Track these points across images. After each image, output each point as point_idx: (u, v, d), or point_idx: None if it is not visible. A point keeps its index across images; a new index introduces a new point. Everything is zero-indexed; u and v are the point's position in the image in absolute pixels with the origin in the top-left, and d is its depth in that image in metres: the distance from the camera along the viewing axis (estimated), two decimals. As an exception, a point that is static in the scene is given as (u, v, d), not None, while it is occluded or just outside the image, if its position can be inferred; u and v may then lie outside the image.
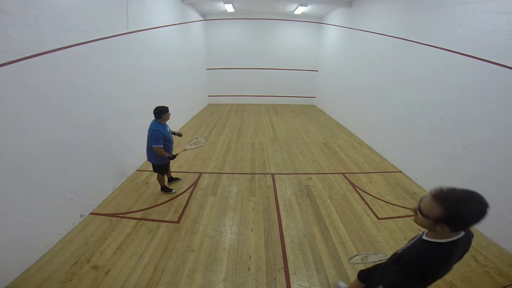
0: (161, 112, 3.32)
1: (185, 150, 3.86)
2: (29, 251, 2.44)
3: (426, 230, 1.23)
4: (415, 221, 1.23)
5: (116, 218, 3.20)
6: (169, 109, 3.40)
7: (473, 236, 1.31)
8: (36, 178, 2.49)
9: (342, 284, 2.29)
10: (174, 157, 3.47)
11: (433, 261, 1.15)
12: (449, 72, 3.65)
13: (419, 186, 4.18)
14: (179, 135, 3.86)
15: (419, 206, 1.18)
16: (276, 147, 5.84)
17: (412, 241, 1.34)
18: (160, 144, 3.24)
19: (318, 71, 10.63)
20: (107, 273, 2.39)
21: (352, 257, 2.00)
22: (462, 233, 1.18)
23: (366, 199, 3.74)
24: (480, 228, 3.10)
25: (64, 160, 2.83)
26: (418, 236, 1.30)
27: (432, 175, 3.96)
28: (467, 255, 2.71)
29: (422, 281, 1.18)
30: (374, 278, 1.54)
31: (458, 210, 1.05)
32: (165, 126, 3.43)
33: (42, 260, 2.50)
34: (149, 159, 3.52)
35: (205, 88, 10.41)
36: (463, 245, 1.22)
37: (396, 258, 1.25)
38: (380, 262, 1.74)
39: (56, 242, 2.73)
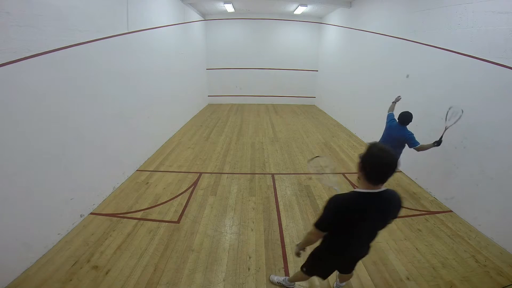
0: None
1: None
2: (29, 251, 2.44)
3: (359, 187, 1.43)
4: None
5: (116, 218, 3.20)
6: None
7: (399, 205, 1.47)
8: (36, 178, 2.49)
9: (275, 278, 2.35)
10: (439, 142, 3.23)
11: (347, 202, 1.39)
12: (449, 72, 3.65)
13: (419, 186, 4.18)
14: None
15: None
16: (276, 147, 5.84)
17: None
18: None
19: (318, 71, 10.63)
20: (107, 273, 2.39)
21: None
22: (381, 189, 1.36)
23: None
24: (480, 228, 3.10)
25: (64, 160, 2.84)
26: None
27: (432, 175, 3.96)
28: (467, 255, 2.73)
29: (335, 216, 1.42)
30: None
31: (364, 153, 1.32)
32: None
33: (42, 260, 2.50)
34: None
35: (205, 88, 10.41)
36: (384, 204, 1.40)
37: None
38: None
39: (56, 242, 2.73)
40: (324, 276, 1.93)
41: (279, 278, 2.32)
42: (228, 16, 9.69)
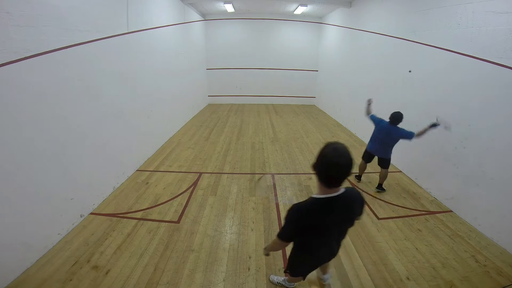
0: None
1: None
2: (29, 251, 2.44)
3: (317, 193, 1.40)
4: None
5: (116, 218, 3.20)
6: None
7: (362, 202, 1.49)
8: (36, 178, 2.49)
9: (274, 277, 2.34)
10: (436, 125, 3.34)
11: (306, 211, 1.36)
12: (449, 72, 3.65)
13: (419, 186, 4.18)
14: None
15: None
16: (276, 147, 5.84)
17: None
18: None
19: (318, 71, 10.63)
20: (107, 273, 2.39)
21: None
22: (341, 191, 1.34)
23: (366, 199, 3.74)
24: (480, 228, 3.11)
25: (64, 160, 2.84)
26: None
27: (432, 175, 3.96)
28: (467, 255, 2.73)
29: (297, 226, 1.39)
30: None
31: (318, 155, 1.25)
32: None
33: (42, 260, 2.50)
34: (386, 154, 3.77)
35: (205, 88, 10.41)
36: (345, 206, 1.39)
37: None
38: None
39: (56, 242, 2.73)
40: (306, 274, 1.91)
41: (279, 278, 2.32)
42: (228, 16, 9.69)
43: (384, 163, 3.81)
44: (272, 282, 2.33)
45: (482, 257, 2.69)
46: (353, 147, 5.94)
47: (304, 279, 1.99)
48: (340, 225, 1.49)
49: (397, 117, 3.51)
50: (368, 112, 3.96)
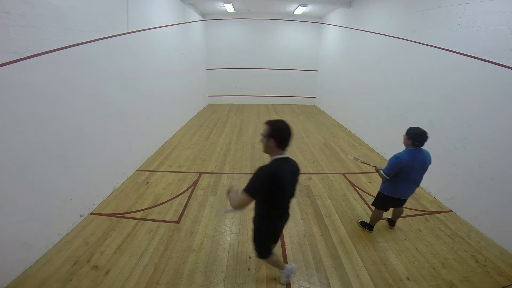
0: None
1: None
2: (29, 251, 2.44)
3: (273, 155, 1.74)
4: (262, 149, 1.79)
5: (116, 218, 3.20)
6: None
7: (299, 170, 1.87)
8: (36, 178, 2.49)
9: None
10: None
11: (273, 168, 1.69)
12: (449, 72, 3.65)
13: (419, 186, 4.17)
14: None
15: (262, 134, 1.74)
16: (276, 147, 5.83)
17: None
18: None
19: (318, 71, 10.63)
20: (107, 273, 2.39)
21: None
22: (287, 155, 1.76)
23: (366, 199, 3.74)
24: (480, 228, 3.11)
25: (64, 160, 2.83)
26: None
27: (432, 175, 3.93)
28: (467, 255, 2.72)
29: (264, 181, 1.66)
30: None
31: (274, 124, 1.70)
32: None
33: (42, 260, 2.50)
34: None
35: (205, 88, 10.41)
36: (292, 166, 1.81)
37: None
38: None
39: (56, 242, 2.73)
40: (273, 243, 2.09)
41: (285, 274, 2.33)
42: (228, 16, 9.68)
43: (406, 201, 2.90)
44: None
45: (482, 257, 2.69)
46: (353, 147, 5.94)
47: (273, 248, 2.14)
48: (291, 186, 1.83)
49: (425, 134, 2.47)
50: (377, 170, 2.77)
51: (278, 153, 1.72)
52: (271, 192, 1.68)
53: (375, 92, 5.84)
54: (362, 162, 3.24)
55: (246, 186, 1.66)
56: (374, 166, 2.85)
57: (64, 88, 2.81)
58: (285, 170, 1.71)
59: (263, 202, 1.81)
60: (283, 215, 1.95)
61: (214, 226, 3.08)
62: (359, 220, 3.19)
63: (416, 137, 2.47)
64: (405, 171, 2.54)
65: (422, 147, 2.54)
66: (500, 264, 2.60)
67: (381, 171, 2.67)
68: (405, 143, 2.60)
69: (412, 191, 2.76)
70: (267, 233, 2.00)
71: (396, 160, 2.54)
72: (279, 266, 2.26)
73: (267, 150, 1.75)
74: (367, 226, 3.06)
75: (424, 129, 2.48)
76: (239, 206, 1.70)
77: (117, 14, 3.83)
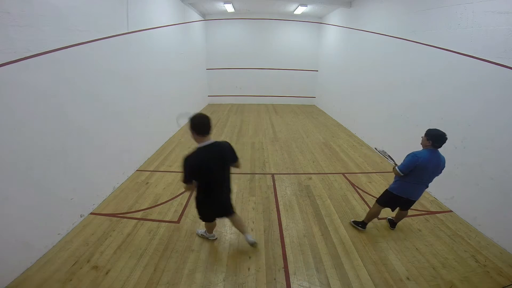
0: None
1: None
2: (29, 251, 2.44)
3: (198, 144, 2.09)
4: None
5: (116, 218, 3.20)
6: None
7: (231, 149, 2.27)
8: (36, 178, 2.49)
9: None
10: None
11: (196, 156, 2.05)
12: (449, 72, 3.65)
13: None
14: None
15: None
16: (276, 147, 5.84)
17: None
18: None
19: (318, 71, 10.63)
20: (107, 273, 2.39)
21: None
22: (212, 141, 2.09)
23: (366, 199, 3.74)
24: (480, 228, 3.11)
25: (64, 160, 2.83)
26: None
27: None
28: (467, 255, 2.73)
29: (193, 170, 2.06)
30: None
31: (191, 119, 2.02)
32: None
33: (42, 260, 2.50)
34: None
35: (205, 88, 10.41)
36: (219, 150, 2.15)
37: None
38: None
39: (56, 242, 2.73)
40: (211, 219, 2.58)
41: (201, 230, 2.86)
42: (228, 16, 9.69)
43: (414, 203, 2.86)
44: (197, 235, 2.86)
45: (482, 257, 2.69)
46: (353, 147, 5.94)
47: (211, 222, 2.60)
48: (219, 167, 2.18)
49: (443, 135, 2.47)
50: (390, 158, 2.88)
51: (201, 141, 2.06)
52: (196, 175, 2.12)
53: (375, 92, 5.84)
54: (388, 157, 2.91)
55: (181, 176, 2.09)
56: (395, 164, 2.78)
57: (64, 88, 2.81)
58: (204, 156, 2.06)
59: (197, 182, 2.23)
60: (216, 190, 2.30)
61: (214, 226, 3.08)
62: (351, 220, 3.19)
63: (436, 138, 2.46)
64: (419, 171, 2.54)
65: (439, 150, 2.55)
66: (500, 264, 2.60)
67: (396, 168, 2.67)
68: (423, 144, 2.58)
69: (422, 192, 2.73)
70: (201, 203, 2.40)
71: (413, 158, 2.53)
72: (208, 230, 2.78)
73: (194, 140, 2.10)
74: (360, 224, 3.05)
75: (443, 131, 2.47)
76: (187, 189, 2.25)
77: (117, 14, 3.83)
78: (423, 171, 2.54)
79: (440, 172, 2.63)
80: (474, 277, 2.43)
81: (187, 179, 2.09)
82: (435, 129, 2.53)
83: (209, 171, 2.10)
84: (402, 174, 2.62)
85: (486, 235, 3.02)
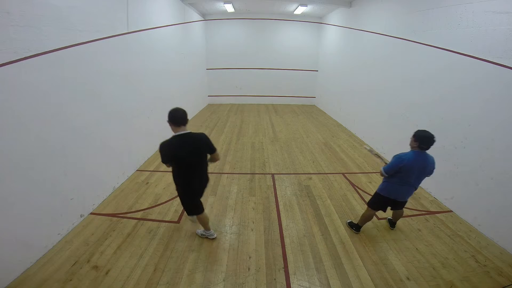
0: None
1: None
2: (29, 251, 2.44)
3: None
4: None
5: (116, 218, 3.20)
6: None
7: (206, 140, 2.45)
8: (36, 178, 2.48)
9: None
10: None
11: (169, 143, 2.28)
12: (449, 72, 3.65)
13: (419, 186, 4.17)
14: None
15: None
16: (276, 147, 5.84)
17: None
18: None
19: (318, 71, 10.63)
20: (107, 273, 2.39)
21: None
22: (187, 131, 2.32)
23: (366, 199, 3.74)
24: (480, 228, 3.11)
25: (64, 160, 2.83)
26: None
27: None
28: (467, 255, 2.73)
29: (167, 155, 2.31)
30: None
31: (169, 113, 2.33)
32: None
33: (42, 260, 2.50)
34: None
35: (205, 88, 10.41)
36: (193, 140, 2.36)
37: None
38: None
39: (56, 242, 2.73)
40: (193, 209, 2.68)
41: (200, 230, 2.89)
42: (228, 16, 9.69)
43: (405, 203, 2.87)
44: (197, 235, 2.90)
45: (482, 257, 2.69)
46: (353, 147, 5.94)
47: (200, 213, 2.67)
48: (191, 154, 2.33)
49: (432, 138, 2.42)
50: (377, 156, 2.98)
51: (176, 131, 2.30)
52: (168, 159, 2.33)
53: (375, 92, 5.84)
54: (375, 155, 3.02)
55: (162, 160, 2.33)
56: (384, 163, 2.78)
57: (64, 88, 2.81)
58: (176, 142, 2.26)
59: (171, 165, 2.42)
60: (187, 174, 2.45)
61: (214, 226, 3.07)
62: (348, 221, 3.19)
63: (423, 140, 2.43)
64: (404, 172, 2.53)
65: (427, 152, 2.52)
66: (500, 264, 2.60)
67: (381, 168, 2.68)
68: (411, 145, 2.56)
69: (409, 193, 2.72)
70: (178, 189, 2.59)
71: (397, 160, 2.53)
72: (204, 225, 2.81)
73: (172, 130, 2.33)
74: (354, 227, 3.03)
75: (432, 133, 2.43)
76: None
77: (117, 14, 3.83)
78: (409, 172, 2.53)
79: (430, 173, 2.61)
80: (474, 277, 2.43)
81: (163, 161, 2.35)
82: (424, 130, 2.49)
83: (179, 156, 2.29)
84: (386, 175, 2.65)
85: (486, 235, 3.02)
